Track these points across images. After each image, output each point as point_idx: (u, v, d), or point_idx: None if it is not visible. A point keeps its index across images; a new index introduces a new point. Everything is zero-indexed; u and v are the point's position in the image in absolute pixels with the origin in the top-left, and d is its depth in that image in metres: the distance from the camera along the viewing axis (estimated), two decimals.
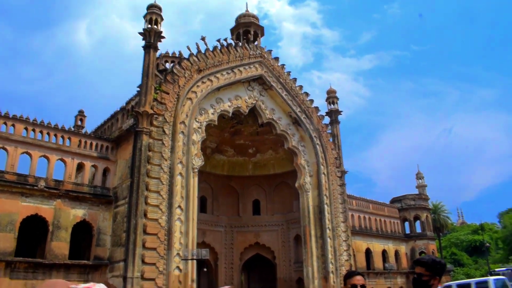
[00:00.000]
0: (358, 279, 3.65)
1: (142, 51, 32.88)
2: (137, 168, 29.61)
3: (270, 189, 49.65)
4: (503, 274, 40.13)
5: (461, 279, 41.81)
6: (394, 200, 65.69)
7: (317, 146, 43.79)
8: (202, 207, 45.69)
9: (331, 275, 40.39)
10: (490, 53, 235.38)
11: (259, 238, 48.07)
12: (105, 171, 32.48)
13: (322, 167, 43.70)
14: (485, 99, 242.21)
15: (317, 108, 45.36)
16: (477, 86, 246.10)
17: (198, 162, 33.46)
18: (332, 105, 49.59)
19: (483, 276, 61.79)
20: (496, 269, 45.60)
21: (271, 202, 49.44)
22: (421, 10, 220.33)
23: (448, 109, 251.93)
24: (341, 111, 49.47)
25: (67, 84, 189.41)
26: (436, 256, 3.69)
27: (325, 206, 42.63)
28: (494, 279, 23.31)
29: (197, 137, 34.34)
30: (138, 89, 32.63)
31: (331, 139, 46.58)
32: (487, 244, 63.88)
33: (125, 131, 32.27)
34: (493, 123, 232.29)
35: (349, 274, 3.80)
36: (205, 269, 43.74)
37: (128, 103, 34.65)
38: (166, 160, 30.85)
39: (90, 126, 50.79)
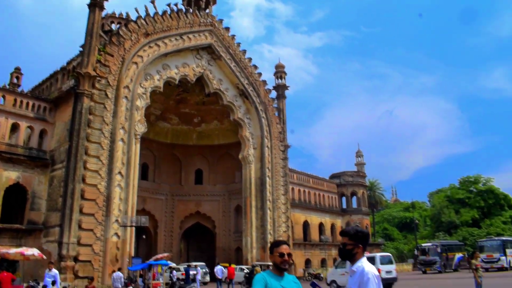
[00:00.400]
0: (285, 248, 3.77)
1: (87, 9, 31.32)
2: (76, 132, 28.64)
3: (213, 160, 49.82)
4: (428, 249, 43.42)
5: (391, 252, 44.89)
6: (333, 176, 68.13)
7: (263, 120, 44.26)
8: (144, 175, 45.19)
9: (269, 245, 41.59)
10: (433, 41, 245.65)
11: (200, 208, 48.42)
12: (42, 133, 31.10)
13: (266, 140, 44.36)
14: (425, 85, 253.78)
15: (264, 82, 45.62)
16: (419, 72, 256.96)
17: (141, 128, 32.86)
18: (280, 79, 50.07)
19: (410, 250, 66.30)
20: (423, 244, 48.92)
21: (214, 173, 49.70)
22: None
23: (391, 91, 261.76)
24: (288, 86, 50.11)
25: (2, 38, 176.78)
26: (359, 227, 3.99)
27: (267, 178, 43.53)
28: (380, 255, 25.61)
29: (141, 103, 33.60)
30: (81, 49, 31.16)
31: (276, 113, 47.22)
32: (416, 221, 68.07)
33: (65, 92, 30.90)
34: (431, 108, 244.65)
35: (276, 243, 3.89)
36: (144, 236, 43.62)
37: (69, 63, 33.07)
38: (107, 124, 30.03)
39: (27, 85, 48.19)
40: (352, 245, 3.54)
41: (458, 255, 45.90)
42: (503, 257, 39.15)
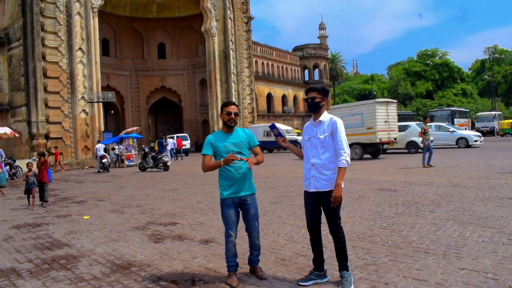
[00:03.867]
0: (232, 108, 4.19)
1: None
2: (29, 6, 26.97)
3: (175, 33, 48.44)
4: None
5: None
6: (296, 49, 68.05)
7: None
8: (105, 50, 43.87)
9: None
10: None
11: (165, 82, 48.39)
12: None
13: (228, 11, 43.06)
14: None
15: None
16: None
17: (97, 1, 31.11)
18: None
19: None
20: None
21: (177, 46, 48.74)
22: None
23: None
24: None
25: None
26: (331, 82, 4.38)
27: (231, 51, 43.31)
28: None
29: None
30: None
31: None
32: (374, 93, 70.56)
33: None
34: None
35: (225, 104, 4.26)
36: (112, 112, 43.99)
37: None
38: None
39: None
40: (320, 98, 3.94)
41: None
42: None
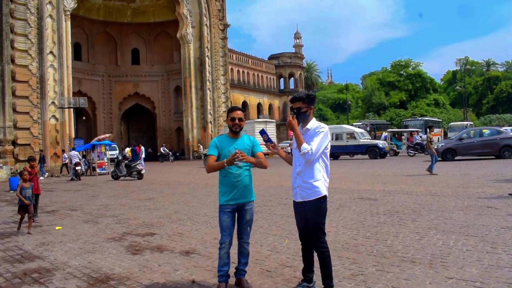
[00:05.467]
0: (237, 113, 4.19)
1: None
2: None
3: (150, 38, 48.07)
4: (359, 127, 46.61)
5: None
6: (272, 57, 68.53)
7: None
8: (77, 55, 43.10)
9: (209, 124, 43.01)
10: None
11: (139, 88, 47.86)
12: None
13: (205, 18, 43.03)
14: None
15: None
16: None
17: (70, 4, 30.59)
18: None
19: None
20: (354, 123, 52.24)
21: (151, 52, 48.34)
22: None
23: None
24: None
25: None
26: (307, 91, 4.35)
27: (206, 58, 43.22)
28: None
29: None
30: None
31: None
32: (349, 102, 71.62)
33: None
34: None
35: (231, 109, 4.27)
36: (83, 118, 43.14)
37: None
38: None
39: None
40: (306, 107, 3.85)
41: (385, 133, 49.94)
42: (425, 135, 43.03)
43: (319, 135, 3.78)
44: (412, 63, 72.90)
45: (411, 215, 7.56)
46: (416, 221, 7.00)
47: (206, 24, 43.28)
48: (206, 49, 43.15)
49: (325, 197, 3.82)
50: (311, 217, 3.81)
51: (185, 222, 8.21)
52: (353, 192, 11.33)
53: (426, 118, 47.64)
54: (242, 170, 4.14)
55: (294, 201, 3.99)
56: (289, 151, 33.96)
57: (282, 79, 68.80)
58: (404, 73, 71.31)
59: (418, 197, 9.74)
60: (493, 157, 22.41)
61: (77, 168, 22.43)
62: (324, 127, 3.87)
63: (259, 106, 61.67)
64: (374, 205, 8.98)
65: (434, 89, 71.87)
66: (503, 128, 26.53)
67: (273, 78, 66.35)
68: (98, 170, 26.05)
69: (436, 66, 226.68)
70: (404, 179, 14.07)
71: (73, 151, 24.24)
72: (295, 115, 3.94)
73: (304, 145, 3.72)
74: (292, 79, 69.17)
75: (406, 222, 6.97)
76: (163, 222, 8.28)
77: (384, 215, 7.75)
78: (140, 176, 20.36)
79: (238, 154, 3.88)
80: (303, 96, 3.93)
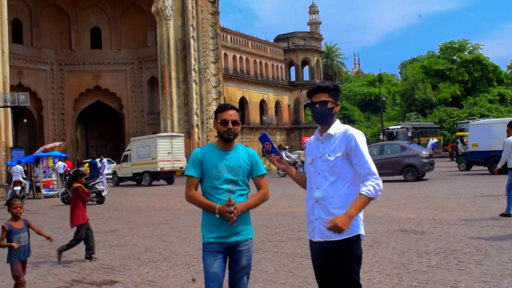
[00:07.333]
0: (230, 113, 3.94)
1: None
2: None
3: (115, 14, 48.20)
4: (396, 133, 46.52)
5: None
6: (279, 39, 68.59)
7: None
8: (16, 36, 43.19)
9: (195, 129, 42.91)
10: None
11: (101, 81, 47.88)
12: None
13: None
14: None
15: None
16: None
17: None
18: None
19: (375, 135, 70.61)
20: (390, 127, 52.16)
21: (117, 32, 48.43)
22: None
23: None
24: None
25: None
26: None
27: (191, 40, 43.21)
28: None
29: None
30: None
31: None
32: (384, 98, 71.21)
33: None
34: None
35: (221, 108, 4.05)
36: (25, 120, 43.03)
37: None
38: None
39: None
40: (333, 103, 3.71)
41: (432, 140, 49.76)
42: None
43: (361, 147, 3.56)
44: (468, 46, 72.88)
45: (474, 256, 7.36)
46: (482, 265, 6.82)
47: None
48: (191, 28, 43.16)
49: (359, 237, 3.59)
50: (338, 264, 3.57)
51: (159, 264, 8.07)
52: (391, 221, 11.12)
53: (490, 120, 47.43)
54: (235, 195, 3.89)
55: (310, 241, 3.75)
56: (300, 164, 33.92)
57: (293, 68, 68.79)
58: (458, 59, 71.27)
59: (482, 229, 9.55)
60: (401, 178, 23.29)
61: (15, 188, 22.26)
62: (355, 132, 3.64)
63: (262, 104, 61.56)
64: (421, 240, 8.80)
65: (499, 80, 71.74)
66: None
67: (281, 67, 66.35)
68: (43, 191, 25.88)
69: (502, 49, 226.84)
70: (461, 202, 13.90)
71: (18, 166, 24.13)
72: (315, 115, 3.79)
73: (368, 183, 3.47)
74: (306, 68, 69.17)
75: (468, 266, 6.78)
76: (129, 265, 8.16)
77: (436, 255, 7.58)
78: (100, 199, 20.20)
79: (234, 211, 3.75)
80: (329, 86, 3.75)
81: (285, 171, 3.99)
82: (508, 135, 11.86)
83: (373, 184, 3.46)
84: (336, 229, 3.38)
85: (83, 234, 8.79)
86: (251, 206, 3.93)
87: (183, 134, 35.45)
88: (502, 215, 10.78)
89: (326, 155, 3.64)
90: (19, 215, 6.27)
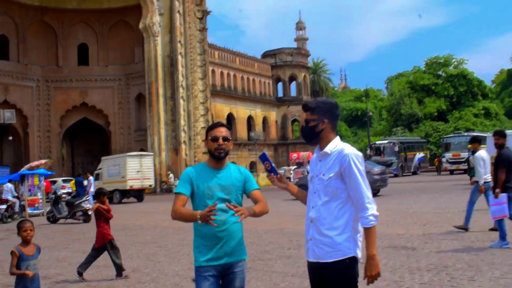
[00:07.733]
0: (220, 131, 3.92)
1: None
2: None
3: (103, 30, 48.19)
4: (383, 148, 46.62)
5: None
6: (267, 55, 68.91)
7: None
8: (3, 52, 43.07)
9: (183, 146, 42.73)
10: None
11: (87, 98, 47.74)
12: None
13: (177, 2, 43.25)
14: None
15: None
16: None
17: None
18: None
19: (361, 150, 70.75)
20: (377, 142, 52.32)
21: (105, 49, 48.39)
22: None
23: None
24: None
25: None
26: (324, 97, 4.11)
27: (179, 57, 43.23)
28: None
29: None
30: None
31: None
32: (370, 113, 71.64)
33: None
34: None
35: (211, 126, 4.05)
36: (10, 138, 42.74)
37: None
38: None
39: None
40: (315, 121, 3.63)
41: (419, 155, 49.92)
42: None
43: (354, 170, 3.44)
44: (453, 61, 73.68)
45: (466, 272, 7.30)
46: (474, 281, 6.76)
47: (178, 11, 43.47)
48: (178, 44, 43.20)
49: (354, 259, 3.46)
50: (332, 285, 3.48)
51: (147, 285, 7.96)
52: (381, 238, 11.00)
53: (475, 134, 47.60)
54: (228, 215, 3.78)
55: (307, 261, 3.65)
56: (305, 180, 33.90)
57: (280, 84, 69.00)
58: (444, 74, 71.89)
59: (473, 244, 9.52)
60: None
61: (1, 207, 22.01)
62: (352, 152, 3.51)
63: (249, 120, 61.61)
64: (412, 256, 8.74)
65: (484, 94, 72.44)
66: None
67: (269, 83, 66.53)
68: (28, 210, 25.55)
69: (486, 63, 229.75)
70: (450, 217, 13.84)
71: (8, 184, 23.91)
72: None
73: (366, 215, 3.38)
74: (294, 84, 69.39)
75: (460, 283, 6.71)
76: (117, 286, 8.04)
77: (428, 271, 7.50)
78: (86, 218, 19.93)
79: (213, 209, 3.58)
80: (311, 105, 3.68)
81: (286, 190, 3.88)
82: (475, 150, 11.98)
83: (371, 212, 3.39)
84: (374, 278, 3.50)
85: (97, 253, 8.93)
86: (252, 213, 3.78)
87: (152, 153, 37.21)
88: (492, 229, 10.73)
89: (321, 174, 3.56)
90: (30, 238, 5.78)
